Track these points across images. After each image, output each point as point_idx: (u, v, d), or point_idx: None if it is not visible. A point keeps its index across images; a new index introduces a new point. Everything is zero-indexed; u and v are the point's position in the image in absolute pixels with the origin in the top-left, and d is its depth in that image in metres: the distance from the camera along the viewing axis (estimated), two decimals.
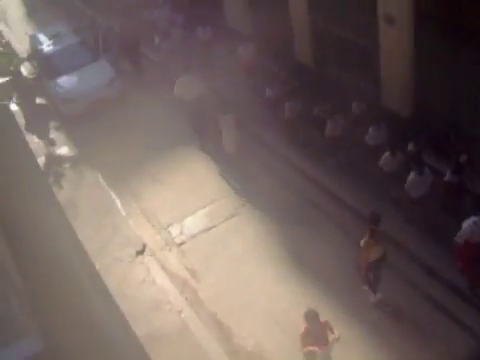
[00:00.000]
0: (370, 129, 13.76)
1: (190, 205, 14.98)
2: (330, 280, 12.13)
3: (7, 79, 20.70)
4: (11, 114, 12.32)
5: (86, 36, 22.48)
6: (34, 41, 22.48)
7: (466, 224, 10.70)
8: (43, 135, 19.15)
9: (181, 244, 14.04)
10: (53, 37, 21.81)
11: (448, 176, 12.07)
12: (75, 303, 6.89)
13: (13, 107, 20.11)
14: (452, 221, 11.42)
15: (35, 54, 21.76)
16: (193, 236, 14.17)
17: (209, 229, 14.24)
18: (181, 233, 14.32)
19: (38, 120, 19.55)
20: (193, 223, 14.52)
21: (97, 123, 18.69)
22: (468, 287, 11.36)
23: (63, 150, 18.51)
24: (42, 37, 22.28)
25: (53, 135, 19.33)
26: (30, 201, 7.94)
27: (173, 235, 14.31)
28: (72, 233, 8.45)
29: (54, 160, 17.86)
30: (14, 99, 20.01)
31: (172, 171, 16.33)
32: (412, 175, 12.02)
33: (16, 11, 30.66)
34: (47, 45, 21.57)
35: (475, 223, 10.65)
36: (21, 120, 19.59)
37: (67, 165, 17.60)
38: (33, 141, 18.23)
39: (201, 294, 12.71)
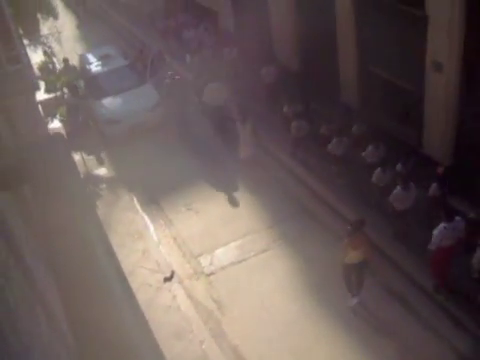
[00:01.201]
0: (369, 147, 14.62)
1: (222, 236, 14.95)
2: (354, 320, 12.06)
3: (54, 96, 21.09)
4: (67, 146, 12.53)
5: (134, 59, 22.93)
6: (83, 61, 22.93)
7: (437, 231, 11.59)
8: (84, 154, 19.36)
9: (210, 274, 13.98)
10: (102, 58, 22.21)
11: (431, 190, 13.06)
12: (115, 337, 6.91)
13: (57, 123, 20.48)
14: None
15: (83, 74, 22.13)
16: (222, 268, 14.10)
17: (239, 262, 14.16)
18: (211, 263, 14.27)
19: (80, 138, 19.79)
20: (224, 255, 14.46)
21: (137, 146, 18.89)
22: (433, 288, 12.35)
23: (101, 170, 18.70)
24: (91, 57, 22.71)
25: (92, 155, 19.51)
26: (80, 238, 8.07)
27: (203, 265, 14.26)
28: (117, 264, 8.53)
29: (91, 179, 18.03)
30: (58, 116, 20.29)
31: (207, 200, 16.33)
32: (398, 189, 12.97)
33: (70, 31, 31.37)
34: (95, 65, 21.96)
35: (445, 228, 11.53)
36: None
37: (104, 185, 17.75)
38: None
39: (225, 326, 12.62)
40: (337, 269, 12.45)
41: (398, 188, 12.98)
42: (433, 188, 13.04)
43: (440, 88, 13.52)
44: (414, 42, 13.90)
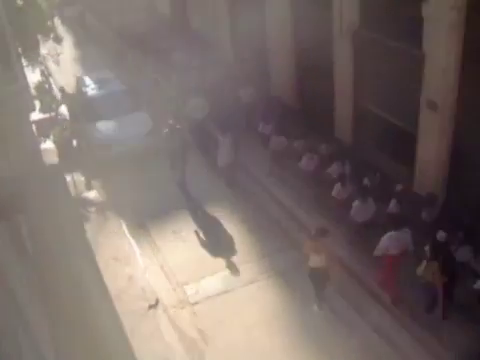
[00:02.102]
0: (334, 164, 15.74)
1: (210, 266, 14.84)
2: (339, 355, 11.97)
3: (48, 116, 21.06)
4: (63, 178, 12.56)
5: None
6: (80, 83, 22.97)
7: (384, 238, 12.47)
8: (74, 176, 19.27)
9: (195, 304, 13.82)
10: (99, 81, 22.23)
11: (390, 207, 13.99)
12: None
13: (49, 144, 20.42)
14: None
15: (79, 96, 22.12)
16: (208, 297, 13.95)
17: (226, 292, 14.02)
18: (196, 293, 14.11)
19: (71, 161, 19.73)
20: (210, 284, 14.31)
21: (128, 171, 18.84)
22: (391, 301, 12.93)
23: (91, 194, 18.58)
24: (88, 80, 22.75)
25: (83, 178, 19.41)
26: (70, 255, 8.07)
27: (188, 293, 14.10)
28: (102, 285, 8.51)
29: (81, 202, 17.93)
30: (51, 137, 20.24)
31: (196, 228, 16.29)
32: (356, 202, 13.95)
33: (68, 53, 31.50)
34: (92, 88, 21.97)
35: (391, 236, 12.40)
36: (55, 158, 19.91)
37: (93, 209, 17.63)
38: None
39: (208, 357, 12.46)
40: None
41: (357, 201, 13.93)
42: (392, 204, 13.94)
43: (434, 127, 13.61)
44: (410, 80, 14.02)
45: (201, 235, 16.07)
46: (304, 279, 13.54)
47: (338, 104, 17.17)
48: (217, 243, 15.65)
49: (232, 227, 16.21)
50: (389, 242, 12.40)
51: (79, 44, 33.03)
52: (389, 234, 12.43)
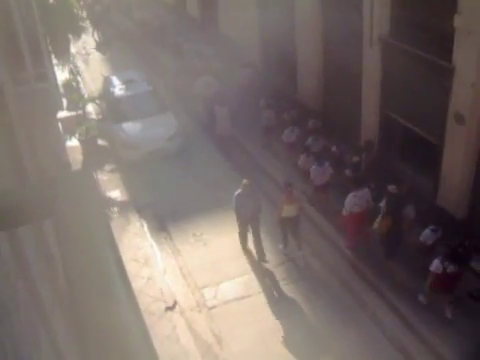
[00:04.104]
0: (309, 138, 17.42)
1: (229, 271, 14.83)
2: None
3: (74, 114, 21.23)
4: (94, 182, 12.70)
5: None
6: (107, 83, 23.06)
7: (347, 199, 14.12)
8: (98, 175, 19.39)
9: (212, 308, 13.82)
10: (126, 82, 22.32)
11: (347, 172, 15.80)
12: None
13: (74, 142, 20.59)
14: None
15: (106, 96, 22.27)
16: (226, 302, 13.95)
17: (243, 298, 14.01)
18: (214, 297, 14.11)
19: (96, 159, 19.88)
20: (228, 289, 14.31)
21: (153, 173, 18.94)
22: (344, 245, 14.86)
23: (114, 193, 18.68)
24: (116, 80, 22.82)
25: (107, 177, 19.56)
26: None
27: (206, 297, 14.11)
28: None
29: (104, 201, 18.01)
30: (77, 135, 20.40)
31: (217, 234, 16.24)
32: (314, 167, 15.67)
33: (97, 53, 31.78)
34: (119, 89, 22.05)
35: (354, 196, 14.03)
36: (79, 156, 20.07)
37: (115, 209, 17.72)
38: None
39: None
40: (340, 312, 12.81)
41: (314, 166, 15.70)
42: (349, 171, 15.71)
43: (460, 141, 13.47)
44: (438, 92, 13.90)
45: (222, 240, 16.02)
46: (320, 288, 13.80)
47: (364, 112, 17.08)
48: (237, 248, 15.59)
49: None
50: (353, 201, 14.02)
51: (107, 42, 33.19)
52: (352, 194, 14.04)
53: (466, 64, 12.72)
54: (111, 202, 18.12)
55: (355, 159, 16.09)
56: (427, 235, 13.34)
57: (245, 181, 14.29)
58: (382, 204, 13.87)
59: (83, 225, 8.44)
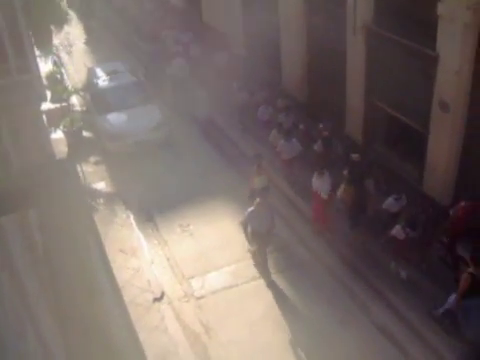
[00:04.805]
0: (280, 115, 18.31)
1: (216, 260, 14.83)
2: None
3: (59, 106, 21.10)
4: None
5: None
6: (91, 74, 22.92)
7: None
8: (83, 166, 19.31)
9: (200, 298, 13.83)
10: (110, 73, 22.18)
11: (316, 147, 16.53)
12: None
13: (59, 134, 20.47)
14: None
15: (90, 87, 22.14)
16: (213, 292, 13.96)
17: (231, 287, 14.02)
18: (202, 287, 14.12)
19: (81, 151, 19.78)
20: (216, 279, 14.32)
21: (139, 164, 18.89)
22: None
23: (100, 185, 18.59)
24: (99, 72, 22.68)
25: (92, 169, 19.47)
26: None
27: (194, 287, 14.12)
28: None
29: (89, 193, 17.94)
30: (62, 127, 20.28)
31: (204, 223, 16.22)
32: (282, 141, 16.59)
33: (80, 44, 31.55)
34: (103, 80, 21.92)
35: (317, 178, 14.52)
36: (64, 148, 19.96)
37: (101, 200, 17.65)
38: None
39: (211, 351, 12.44)
40: (328, 301, 12.87)
41: (282, 140, 16.58)
42: (318, 145, 16.40)
43: (445, 128, 13.52)
44: (422, 80, 13.94)
45: (209, 230, 16.02)
46: (308, 277, 13.86)
47: (349, 100, 17.10)
48: (224, 238, 15.61)
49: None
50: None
51: (90, 33, 33.00)
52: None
53: (450, 52, 12.75)
54: (97, 194, 18.04)
55: (325, 134, 16.60)
56: (390, 203, 13.75)
57: (258, 200, 13.54)
58: (345, 172, 14.38)
59: (66, 214, 8.42)
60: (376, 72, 15.75)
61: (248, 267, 14.59)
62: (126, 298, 13.63)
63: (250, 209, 13.57)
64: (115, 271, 14.32)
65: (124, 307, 9.13)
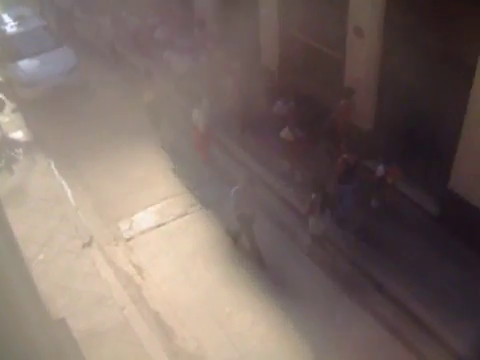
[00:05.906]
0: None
1: (141, 201, 14.79)
2: (281, 289, 12.19)
3: None
4: None
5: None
6: None
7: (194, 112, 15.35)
8: None
9: (129, 239, 13.81)
10: (18, 19, 21.29)
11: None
12: None
13: None
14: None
15: None
16: (142, 232, 13.95)
17: (159, 226, 14.06)
18: (130, 228, 14.09)
19: None
20: (143, 219, 14.31)
21: (55, 109, 18.42)
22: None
23: (17, 134, 18.05)
24: (6, 18, 21.73)
25: (8, 118, 18.83)
26: None
27: (122, 230, 14.07)
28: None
29: (7, 144, 17.41)
30: None
31: (127, 165, 16.08)
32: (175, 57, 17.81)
33: None
34: (11, 26, 21.05)
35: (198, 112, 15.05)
36: None
37: (20, 150, 17.13)
38: None
39: (145, 292, 12.51)
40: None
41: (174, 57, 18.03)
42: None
43: (361, 54, 13.59)
44: (336, 6, 13.89)
45: (132, 171, 15.88)
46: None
47: (263, 30, 16.92)
48: (147, 179, 15.56)
49: (161, 162, 16.17)
50: (196, 117, 15.27)
51: None
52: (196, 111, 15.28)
53: None
54: (15, 143, 17.51)
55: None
56: (279, 107, 15.06)
57: (244, 174, 12.55)
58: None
59: None
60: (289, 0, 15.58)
61: (174, 205, 14.62)
62: (55, 246, 13.49)
63: (234, 188, 12.18)
64: (40, 220, 14.12)
65: (19, 257, 8.96)
